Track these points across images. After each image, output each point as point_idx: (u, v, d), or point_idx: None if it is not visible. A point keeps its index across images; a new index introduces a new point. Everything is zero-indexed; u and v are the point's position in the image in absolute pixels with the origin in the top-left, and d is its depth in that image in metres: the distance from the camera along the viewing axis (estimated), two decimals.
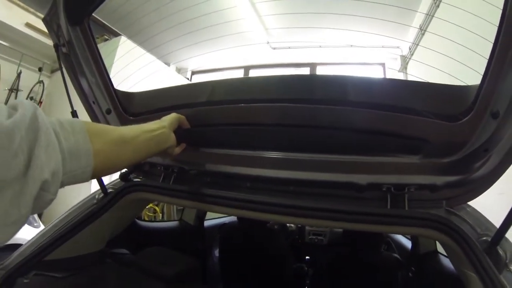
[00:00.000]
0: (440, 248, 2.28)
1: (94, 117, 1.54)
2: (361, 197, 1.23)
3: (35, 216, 3.86)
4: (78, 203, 1.61)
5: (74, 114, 1.39)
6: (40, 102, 6.28)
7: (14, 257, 1.36)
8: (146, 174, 1.63)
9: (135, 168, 1.60)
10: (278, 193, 1.31)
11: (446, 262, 2.13)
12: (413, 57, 6.77)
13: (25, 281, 1.30)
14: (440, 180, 1.12)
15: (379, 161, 1.16)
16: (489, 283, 0.93)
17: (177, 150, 1.21)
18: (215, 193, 1.37)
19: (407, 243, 2.90)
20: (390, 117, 1.08)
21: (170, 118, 1.18)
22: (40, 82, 6.26)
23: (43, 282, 1.35)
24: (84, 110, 1.54)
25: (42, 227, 3.59)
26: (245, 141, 1.36)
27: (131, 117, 1.51)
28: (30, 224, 3.62)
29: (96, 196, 1.57)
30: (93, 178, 0.75)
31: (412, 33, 6.50)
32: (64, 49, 1.44)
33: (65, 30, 1.41)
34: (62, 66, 1.46)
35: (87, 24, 1.44)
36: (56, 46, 1.44)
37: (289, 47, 7.53)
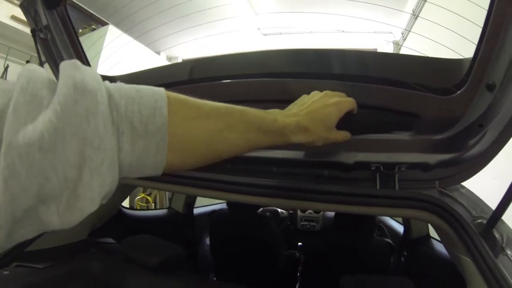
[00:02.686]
0: (432, 233, 2.28)
1: None
2: (348, 177, 1.18)
3: None
4: None
5: None
6: None
7: None
8: None
9: None
10: (260, 174, 1.25)
11: (439, 246, 2.11)
12: (405, 43, 6.74)
13: (5, 272, 1.25)
14: (432, 158, 1.06)
15: (367, 138, 1.10)
16: (485, 268, 0.89)
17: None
18: (192, 174, 1.30)
19: (400, 228, 2.89)
20: (379, 90, 1.02)
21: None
22: None
23: (24, 273, 1.30)
24: None
25: None
26: None
27: None
28: None
29: None
30: None
31: (405, 18, 6.44)
32: (41, 34, 1.43)
33: (42, 15, 1.39)
34: (40, 51, 1.46)
35: (64, 7, 1.42)
36: (33, 31, 1.43)
37: (280, 33, 7.47)
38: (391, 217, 3.08)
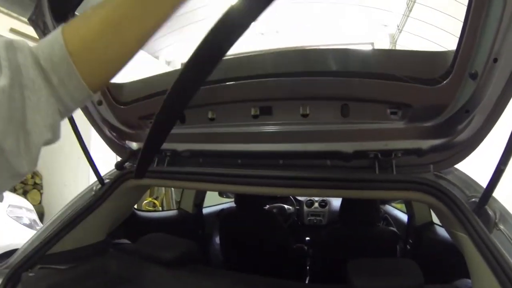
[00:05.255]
0: (436, 219, 2.33)
1: (85, 109, 1.57)
2: (349, 166, 1.26)
3: (37, 219, 3.89)
4: (77, 196, 1.64)
5: None
6: None
7: (17, 255, 1.40)
8: None
9: (130, 156, 1.63)
10: (269, 167, 1.35)
11: (442, 232, 2.17)
12: (400, 36, 6.81)
13: (31, 274, 1.32)
14: (425, 144, 1.15)
15: (364, 128, 1.19)
16: (480, 242, 0.97)
17: None
18: (209, 171, 1.40)
19: (404, 217, 2.94)
20: (372, 84, 1.11)
21: None
22: None
23: (48, 274, 1.38)
24: None
25: None
26: (233, 118, 1.39)
27: (122, 106, 1.53)
28: (32, 228, 3.65)
29: (94, 188, 1.60)
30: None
31: (400, 11, 6.52)
32: None
33: (51, 28, 1.41)
34: None
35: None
36: None
37: (277, 31, 7.53)
38: (392, 200, 3.12)
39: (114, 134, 1.66)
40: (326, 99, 1.21)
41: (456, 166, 1.22)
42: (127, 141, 1.66)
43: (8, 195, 3.83)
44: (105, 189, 1.54)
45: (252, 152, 1.38)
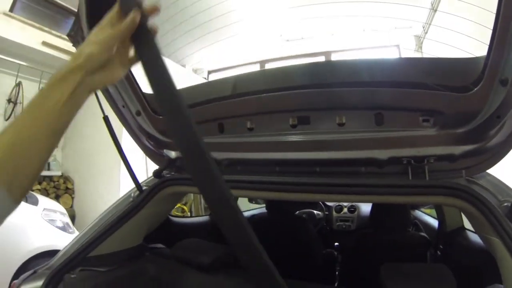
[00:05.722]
0: (467, 225, 2.30)
1: (124, 120, 1.64)
2: (383, 172, 1.30)
3: (69, 222, 4.02)
4: (115, 202, 1.70)
5: (106, 119, 1.50)
6: None
7: (58, 257, 1.46)
8: (179, 169, 1.72)
9: (168, 165, 1.69)
10: (306, 174, 1.40)
11: (474, 237, 2.14)
12: (427, 36, 6.71)
13: (73, 276, 1.38)
14: (457, 150, 1.18)
15: (397, 136, 1.23)
16: None
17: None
18: (248, 178, 1.45)
19: (435, 223, 2.90)
20: (405, 93, 1.15)
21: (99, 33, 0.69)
22: None
23: (89, 276, 1.44)
24: (114, 114, 1.62)
25: (76, 233, 3.75)
26: (272, 128, 1.43)
27: (161, 116, 1.58)
28: (65, 230, 3.78)
29: (132, 194, 1.65)
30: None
31: (424, 12, 6.43)
32: None
33: None
34: None
35: None
36: None
37: (302, 38, 7.55)
38: (425, 205, 3.08)
39: (152, 143, 1.71)
40: (361, 108, 1.26)
41: (488, 171, 1.23)
42: (165, 150, 1.71)
43: (42, 200, 4.00)
44: (144, 195, 1.60)
45: (290, 160, 1.43)
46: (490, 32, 0.98)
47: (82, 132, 6.32)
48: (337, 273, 2.75)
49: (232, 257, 1.61)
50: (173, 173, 1.72)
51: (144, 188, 1.64)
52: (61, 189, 6.38)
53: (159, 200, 1.65)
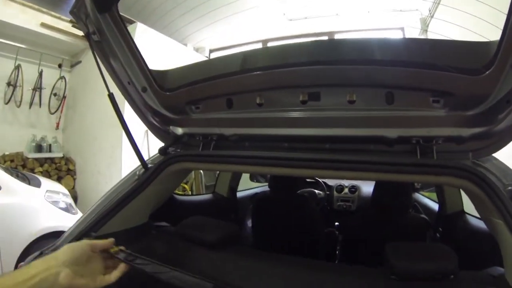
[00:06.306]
0: (466, 209, 2.33)
1: (129, 97, 1.63)
2: (391, 150, 1.32)
3: (72, 203, 4.06)
4: (120, 180, 1.70)
5: (111, 96, 1.48)
6: (64, 97, 6.52)
7: (64, 238, 1.47)
8: (185, 146, 1.73)
9: (174, 142, 1.69)
10: (316, 150, 1.41)
11: (473, 221, 2.17)
12: (433, 19, 6.63)
13: None
14: (465, 132, 1.19)
15: (407, 115, 1.23)
16: None
17: None
18: (256, 154, 1.47)
19: (434, 206, 2.93)
20: (417, 73, 1.15)
21: (67, 251, 0.86)
22: (62, 78, 6.41)
23: None
24: (119, 91, 1.62)
25: (79, 213, 3.79)
26: (281, 104, 1.43)
27: (167, 93, 1.59)
28: (68, 211, 3.82)
29: (137, 172, 1.65)
30: None
31: None
32: (95, 37, 1.49)
33: (94, 19, 1.45)
34: (95, 53, 1.51)
35: (116, 10, 1.48)
36: (88, 35, 1.49)
37: (306, 17, 7.45)
38: (431, 185, 3.10)
39: (157, 119, 1.71)
40: (372, 86, 1.26)
41: (494, 155, 1.25)
42: (170, 127, 1.71)
43: (45, 182, 4.04)
44: (150, 173, 1.60)
45: (299, 136, 1.44)
46: (503, 16, 0.97)
47: (82, 113, 6.32)
48: (337, 252, 2.79)
49: (237, 235, 1.63)
50: (178, 150, 1.73)
51: (149, 165, 1.64)
52: (63, 171, 6.43)
53: (165, 177, 1.66)
